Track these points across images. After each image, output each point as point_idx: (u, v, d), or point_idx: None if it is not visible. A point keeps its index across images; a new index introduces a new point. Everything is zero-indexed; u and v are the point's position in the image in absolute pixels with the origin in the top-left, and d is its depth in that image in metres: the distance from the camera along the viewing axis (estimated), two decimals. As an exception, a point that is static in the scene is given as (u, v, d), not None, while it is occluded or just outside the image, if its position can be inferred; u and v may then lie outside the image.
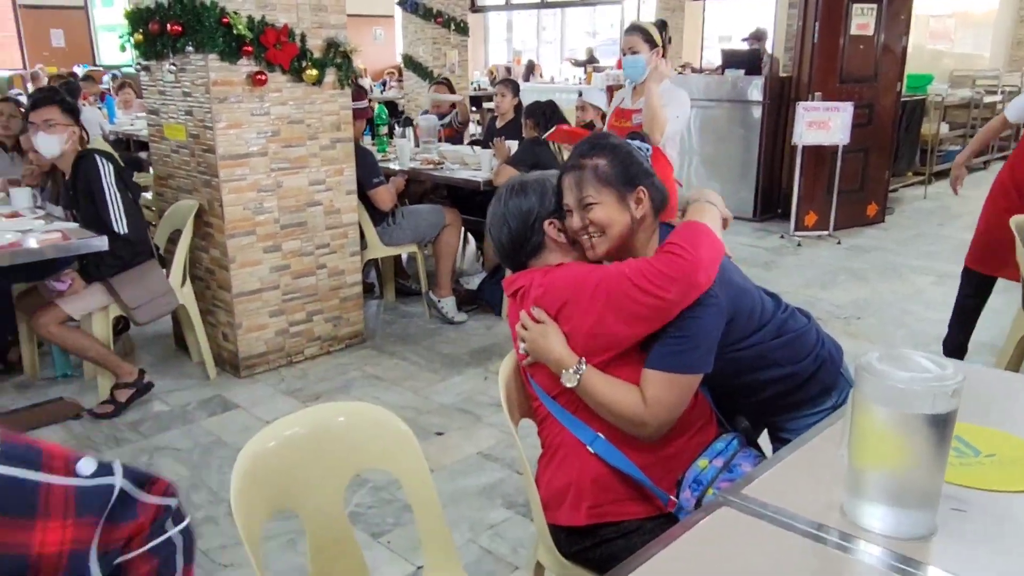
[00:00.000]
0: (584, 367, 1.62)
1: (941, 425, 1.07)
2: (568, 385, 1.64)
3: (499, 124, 5.66)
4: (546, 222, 1.78)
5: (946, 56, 11.04)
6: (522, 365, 1.80)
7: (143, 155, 6.82)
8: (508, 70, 14.71)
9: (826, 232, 6.55)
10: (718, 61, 8.75)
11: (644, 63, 3.57)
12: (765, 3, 10.99)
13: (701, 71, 9.19)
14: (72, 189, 3.38)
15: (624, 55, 3.70)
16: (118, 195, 3.30)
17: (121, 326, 4.04)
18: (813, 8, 6.44)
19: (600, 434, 1.68)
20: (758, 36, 8.34)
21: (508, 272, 1.88)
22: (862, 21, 6.46)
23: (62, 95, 3.43)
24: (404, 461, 1.60)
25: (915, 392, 1.06)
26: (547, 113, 4.57)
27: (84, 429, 3.38)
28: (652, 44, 3.57)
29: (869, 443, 1.13)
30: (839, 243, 6.39)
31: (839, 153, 6.39)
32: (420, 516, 1.63)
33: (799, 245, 6.39)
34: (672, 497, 1.65)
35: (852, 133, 6.23)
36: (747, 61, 7.38)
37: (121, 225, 3.29)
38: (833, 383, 1.83)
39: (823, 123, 6.19)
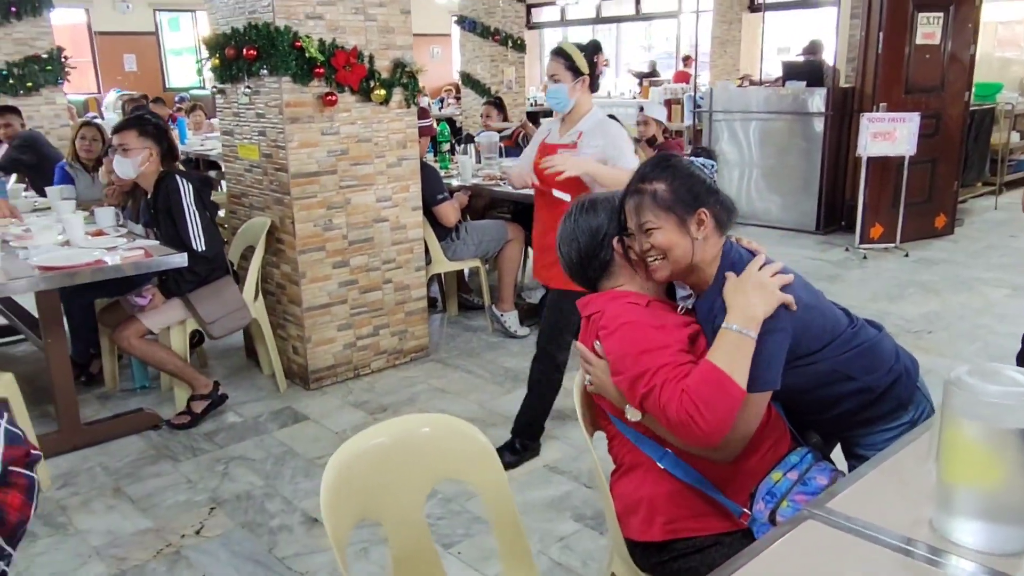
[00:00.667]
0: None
1: (1034, 440, 1.07)
2: (632, 419, 1.65)
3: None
4: (615, 240, 1.81)
5: (1015, 64, 10.71)
6: (588, 390, 1.82)
7: (213, 174, 7.07)
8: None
9: (893, 244, 6.42)
10: (777, 73, 8.66)
11: (567, 93, 3.06)
12: (826, 14, 10.84)
13: (761, 83, 9.10)
14: (153, 208, 3.52)
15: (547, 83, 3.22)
16: (197, 214, 3.43)
17: (196, 340, 4.18)
18: (877, 18, 6.35)
19: (669, 450, 1.69)
20: (813, 49, 8.24)
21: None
22: (928, 30, 6.34)
23: (142, 119, 3.59)
24: (484, 473, 1.64)
25: (1007, 406, 1.06)
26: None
27: (162, 439, 3.51)
28: (576, 72, 3.04)
29: (959, 457, 1.13)
30: (907, 255, 6.26)
31: (905, 164, 6.27)
32: (498, 527, 1.67)
33: (864, 258, 6.27)
34: (745, 510, 1.65)
35: (919, 144, 6.11)
36: (807, 73, 7.29)
37: (200, 243, 3.42)
38: (909, 398, 1.79)
39: (888, 134, 6.08)
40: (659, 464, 1.70)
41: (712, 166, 1.86)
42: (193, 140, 7.99)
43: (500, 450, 3.09)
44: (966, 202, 8.06)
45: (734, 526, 1.68)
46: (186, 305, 3.57)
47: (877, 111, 6.28)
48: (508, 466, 3.09)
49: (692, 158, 1.84)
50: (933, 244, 6.66)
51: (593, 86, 3.13)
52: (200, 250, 3.43)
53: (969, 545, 1.14)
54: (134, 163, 3.46)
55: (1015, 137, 8.69)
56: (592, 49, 3.12)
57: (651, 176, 1.73)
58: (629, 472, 1.79)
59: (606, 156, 3.03)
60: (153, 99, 9.77)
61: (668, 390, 1.52)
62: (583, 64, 3.06)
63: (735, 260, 1.71)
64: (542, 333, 3.21)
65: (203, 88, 13.83)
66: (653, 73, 14.17)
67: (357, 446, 1.51)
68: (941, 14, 6.34)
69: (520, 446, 3.21)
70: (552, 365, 3.18)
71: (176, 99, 11.92)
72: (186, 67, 15.08)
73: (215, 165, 7.09)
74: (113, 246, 3.42)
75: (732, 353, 1.52)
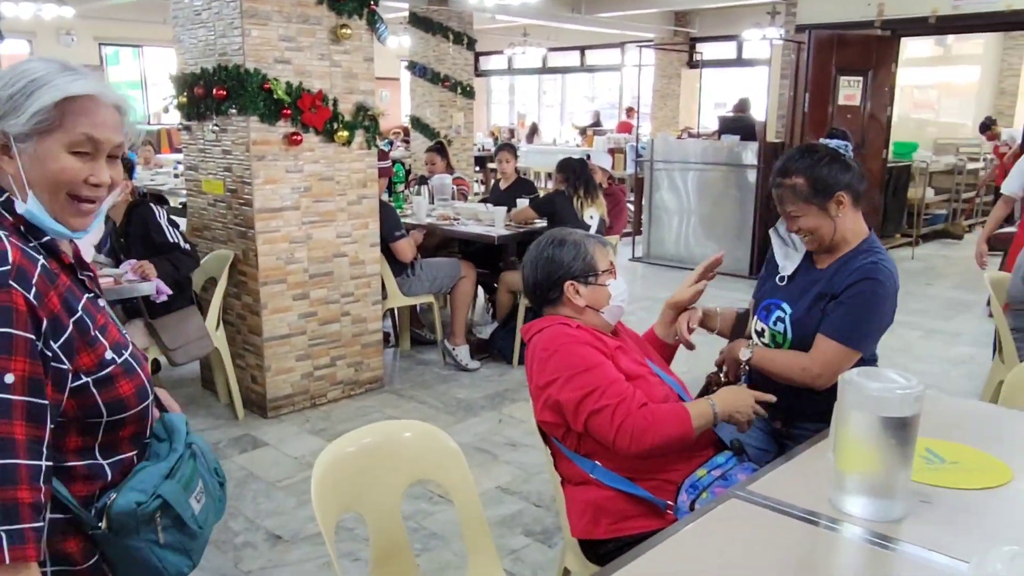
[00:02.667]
0: (751, 351, 2.05)
1: (907, 426, 1.34)
2: (743, 359, 2.06)
3: (503, 186, 6.00)
4: (567, 282, 2.01)
5: (930, 125, 11.53)
6: (535, 417, 2.00)
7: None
8: (511, 132, 15.24)
9: (818, 289, 6.83)
10: (714, 126, 9.18)
11: None
12: (759, 72, 11.53)
13: (699, 136, 9.62)
14: (124, 236, 3.66)
15: None
16: (177, 232, 3.62)
17: (152, 368, 4.28)
18: (803, 79, 6.88)
19: (597, 463, 1.91)
20: (742, 107, 8.83)
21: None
22: (849, 92, 6.89)
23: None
24: (454, 472, 1.84)
25: (886, 399, 1.33)
26: (576, 170, 4.92)
27: (124, 462, 3.59)
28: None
29: (850, 444, 1.39)
30: (831, 300, 6.68)
31: (830, 214, 6.73)
32: (465, 522, 1.87)
33: (793, 301, 6.66)
34: (669, 502, 1.87)
35: (842, 196, 6.58)
36: (741, 128, 7.79)
37: (185, 243, 3.63)
38: None
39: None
40: (591, 475, 1.92)
41: (846, 146, 2.16)
42: (143, 175, 8.06)
43: None
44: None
45: (670, 523, 1.91)
46: (149, 332, 3.69)
47: (804, 165, 6.75)
48: None
49: (829, 140, 2.12)
50: (856, 289, 7.10)
51: None
52: (188, 247, 3.63)
53: (859, 515, 1.39)
54: (114, 195, 3.60)
55: (930, 193, 9.35)
56: None
57: (792, 169, 2.02)
58: (575, 484, 2.01)
59: None
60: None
61: (624, 406, 1.78)
62: None
63: (873, 246, 2.08)
64: None
65: (148, 123, 13.87)
66: (597, 124, 14.72)
67: (345, 444, 1.71)
68: (861, 78, 6.90)
69: None
70: None
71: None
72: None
73: (164, 200, 7.18)
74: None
75: (702, 413, 1.84)
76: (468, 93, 10.50)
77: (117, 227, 3.72)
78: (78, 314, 1.20)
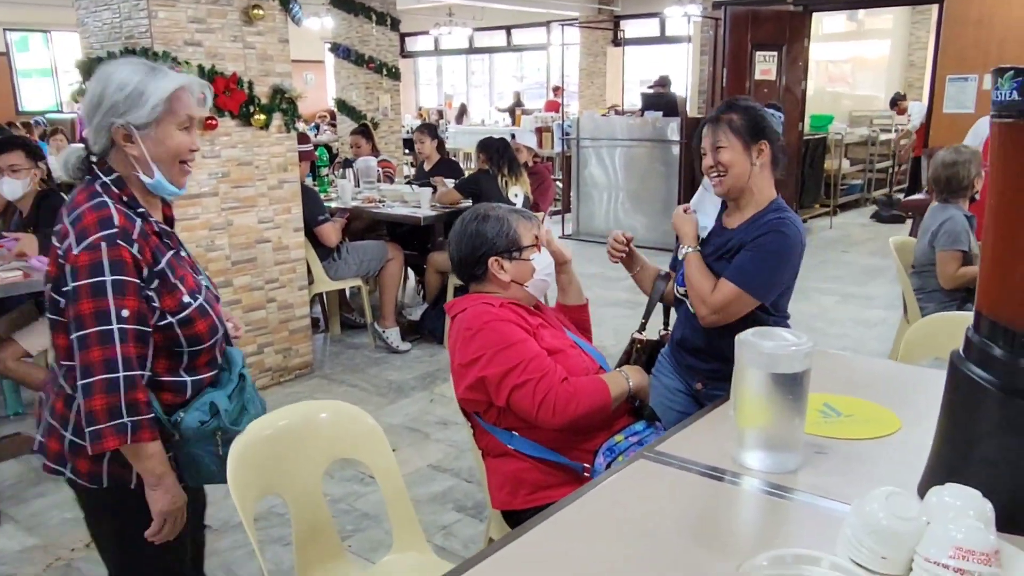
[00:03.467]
0: (691, 251, 2.21)
1: (799, 382, 1.41)
2: (680, 256, 2.24)
3: (427, 167, 6.00)
4: (491, 258, 2.03)
5: (845, 98, 11.90)
6: (457, 395, 2.02)
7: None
8: (440, 113, 15.15)
9: (741, 260, 7.03)
10: (639, 103, 9.32)
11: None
12: (680, 49, 11.70)
13: (623, 113, 9.73)
14: (33, 226, 3.53)
15: None
16: None
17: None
18: (721, 55, 7.03)
19: (515, 433, 1.95)
20: (662, 83, 8.96)
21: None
22: (765, 67, 7.07)
23: (25, 139, 3.61)
24: (373, 449, 1.86)
25: (778, 356, 1.40)
26: (499, 149, 4.94)
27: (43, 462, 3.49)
28: None
29: (747, 400, 1.46)
30: (753, 270, 6.88)
31: (750, 187, 6.92)
32: (389, 500, 1.89)
33: (717, 272, 6.85)
34: (587, 465, 1.93)
35: (761, 168, 6.77)
36: (664, 104, 7.92)
37: None
38: None
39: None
40: (509, 446, 1.96)
41: (779, 117, 2.30)
42: (56, 164, 7.76)
43: None
44: (806, 222, 8.89)
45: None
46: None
47: (724, 139, 6.92)
48: None
49: (767, 107, 2.24)
50: (777, 259, 7.33)
51: None
52: None
53: (757, 468, 1.47)
54: (24, 183, 3.48)
55: (846, 164, 9.67)
56: None
57: (729, 109, 2.16)
58: (494, 456, 2.05)
59: None
60: (6, 123, 9.39)
61: (546, 381, 1.83)
62: None
63: (781, 206, 2.18)
64: None
65: (60, 111, 13.35)
66: (519, 104, 14.74)
67: (262, 426, 1.71)
68: (776, 53, 7.09)
69: None
70: None
71: (32, 122, 11.43)
72: (40, 89, 14.45)
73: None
74: (-10, 267, 3.41)
75: (618, 383, 1.94)
76: (394, 75, 10.38)
77: (24, 216, 3.60)
78: (162, 265, 1.61)
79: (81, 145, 1.68)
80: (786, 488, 1.42)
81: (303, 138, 4.69)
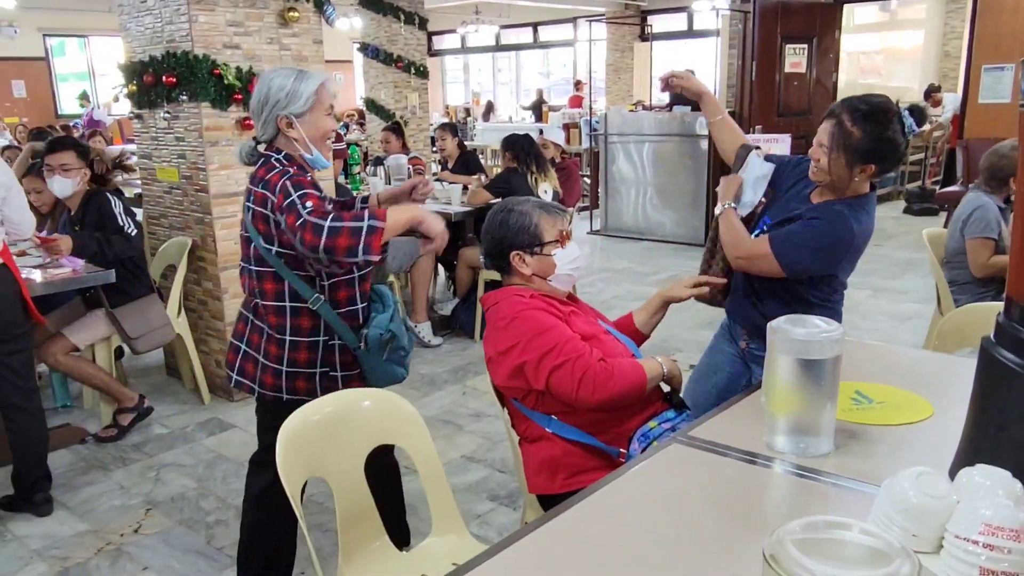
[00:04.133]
0: (727, 207, 2.31)
1: (829, 368, 1.44)
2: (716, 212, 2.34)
3: (450, 165, 6.08)
4: (513, 252, 2.09)
5: (877, 89, 11.71)
6: (496, 383, 2.09)
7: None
8: (467, 111, 15.22)
9: (772, 254, 7.01)
10: (667, 99, 9.30)
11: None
12: (708, 43, 11.65)
13: (651, 108, 9.72)
14: (80, 225, 3.65)
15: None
16: (129, 220, 3.61)
17: (116, 356, 4.28)
18: (751, 49, 7.00)
19: (554, 416, 2.00)
20: (687, 77, 8.92)
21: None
22: (795, 60, 7.04)
23: (76, 140, 3.73)
24: (413, 435, 1.93)
25: (809, 343, 1.43)
26: (524, 147, 4.97)
27: (91, 452, 3.62)
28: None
29: (778, 386, 1.50)
30: (784, 264, 6.86)
31: (780, 180, 6.89)
32: (428, 484, 1.95)
33: (747, 267, 6.83)
34: (622, 450, 1.98)
35: (791, 162, 6.74)
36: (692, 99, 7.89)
37: (131, 228, 3.63)
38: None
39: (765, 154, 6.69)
40: (547, 430, 2.01)
41: (913, 131, 2.18)
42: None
43: None
44: (837, 215, 8.82)
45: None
46: (111, 321, 3.70)
47: (753, 133, 6.90)
48: None
49: (908, 112, 2.12)
50: (808, 253, 7.30)
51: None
52: (131, 231, 3.62)
53: (789, 452, 1.50)
54: (74, 182, 3.60)
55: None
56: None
57: (855, 118, 2.05)
58: (531, 441, 2.10)
59: None
60: (47, 126, 9.61)
61: (583, 360, 1.88)
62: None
63: (860, 202, 2.16)
64: None
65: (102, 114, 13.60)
66: (542, 101, 14.76)
67: (308, 413, 1.78)
68: (806, 45, 7.05)
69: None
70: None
71: (72, 124, 11.70)
72: (77, 93, 14.75)
73: (120, 191, 7.09)
74: (39, 264, 3.53)
75: (652, 367, 1.99)
76: (422, 73, 10.47)
77: (72, 215, 3.72)
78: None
79: (251, 140, 2.23)
80: (818, 471, 1.45)
81: (337, 136, 4.76)
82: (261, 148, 2.21)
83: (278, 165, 2.12)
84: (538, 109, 14.22)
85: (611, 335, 2.14)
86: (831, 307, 2.28)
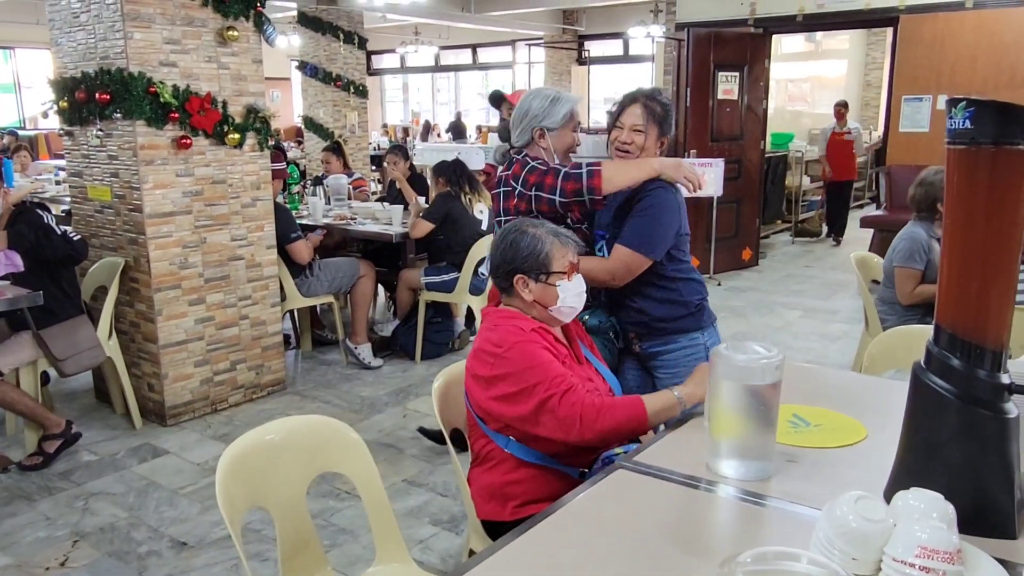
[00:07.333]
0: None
1: (770, 393, 1.49)
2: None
3: (399, 185, 6.04)
4: (517, 275, 2.04)
5: (804, 116, 12.20)
6: (477, 402, 2.03)
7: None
8: (406, 130, 15.19)
9: (707, 275, 7.18)
10: (604, 121, 9.44)
11: None
12: (644, 68, 11.90)
13: (589, 131, 9.86)
14: (9, 246, 3.51)
15: None
16: (68, 229, 3.53)
17: (40, 381, 4.12)
18: (684, 75, 7.18)
19: (511, 437, 1.99)
20: (623, 103, 9.11)
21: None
22: (727, 87, 7.24)
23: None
24: (357, 462, 1.91)
25: (750, 369, 1.47)
26: (455, 170, 4.98)
27: (14, 481, 3.47)
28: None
29: (721, 411, 1.53)
30: (719, 284, 7.03)
31: (714, 204, 7.08)
32: (371, 511, 1.93)
33: (684, 288, 6.97)
34: (584, 470, 1.97)
35: (725, 186, 6.93)
36: (630, 122, 8.04)
37: (75, 234, 3.55)
38: (707, 325, 2.50)
39: (699, 177, 6.84)
40: (505, 449, 2.00)
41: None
42: (21, 183, 7.66)
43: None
44: (768, 237, 9.10)
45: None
46: (37, 343, 3.56)
47: (688, 156, 7.07)
48: None
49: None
50: (741, 274, 7.51)
51: None
52: (77, 236, 3.57)
53: (732, 476, 1.54)
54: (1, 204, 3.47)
55: (806, 180, 9.90)
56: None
57: (660, 99, 2.46)
58: (484, 463, 2.09)
59: None
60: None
61: (573, 394, 1.84)
62: None
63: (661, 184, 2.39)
64: None
65: (23, 128, 13.13)
66: (458, 123, 14.92)
67: (248, 441, 1.74)
68: (737, 73, 7.26)
69: None
70: None
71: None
72: (2, 105, 14.22)
73: (44, 207, 6.84)
74: (-40, 287, 3.38)
75: (664, 400, 1.88)
76: (361, 92, 10.44)
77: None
78: None
79: (506, 144, 2.64)
80: (760, 495, 1.49)
81: (276, 156, 4.71)
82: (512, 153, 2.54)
83: (529, 161, 2.44)
84: (457, 130, 14.26)
85: (601, 376, 2.15)
86: (693, 276, 2.50)
